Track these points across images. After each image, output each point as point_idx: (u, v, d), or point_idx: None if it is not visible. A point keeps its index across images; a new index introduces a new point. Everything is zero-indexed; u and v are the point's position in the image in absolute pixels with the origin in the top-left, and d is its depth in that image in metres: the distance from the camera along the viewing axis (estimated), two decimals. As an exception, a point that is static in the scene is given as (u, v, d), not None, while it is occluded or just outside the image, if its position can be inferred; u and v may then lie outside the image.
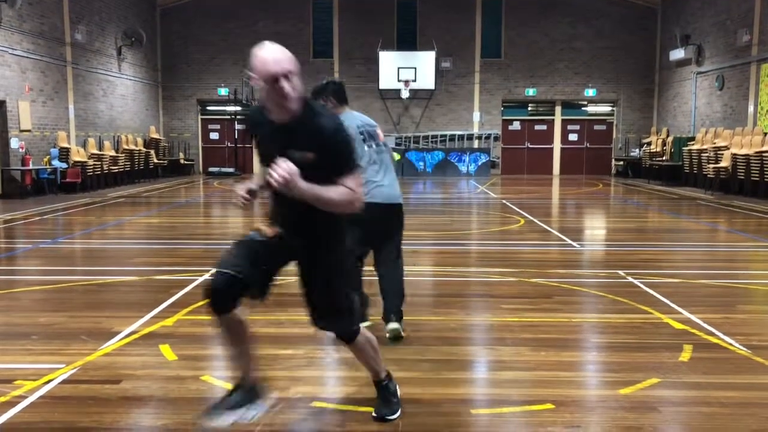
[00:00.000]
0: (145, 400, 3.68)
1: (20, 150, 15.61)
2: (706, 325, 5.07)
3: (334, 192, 2.85)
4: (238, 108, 24.20)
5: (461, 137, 24.61)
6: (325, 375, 4.18)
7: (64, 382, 3.91)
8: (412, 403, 3.64)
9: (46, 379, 3.93)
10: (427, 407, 3.59)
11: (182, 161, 24.43)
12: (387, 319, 4.63)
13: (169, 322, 5.15)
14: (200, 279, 6.70)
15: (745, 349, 4.54)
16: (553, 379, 4.01)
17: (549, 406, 3.60)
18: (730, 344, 4.64)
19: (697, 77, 20.84)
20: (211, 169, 24.39)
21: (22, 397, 3.66)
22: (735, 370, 4.16)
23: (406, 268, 7.40)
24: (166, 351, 4.46)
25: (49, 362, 4.22)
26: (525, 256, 8.32)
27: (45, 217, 12.14)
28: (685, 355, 4.42)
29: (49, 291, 6.31)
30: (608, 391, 3.82)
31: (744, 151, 15.99)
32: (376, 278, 4.76)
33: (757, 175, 15.33)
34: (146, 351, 4.48)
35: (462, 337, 4.90)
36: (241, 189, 3.01)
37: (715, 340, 4.73)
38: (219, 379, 3.98)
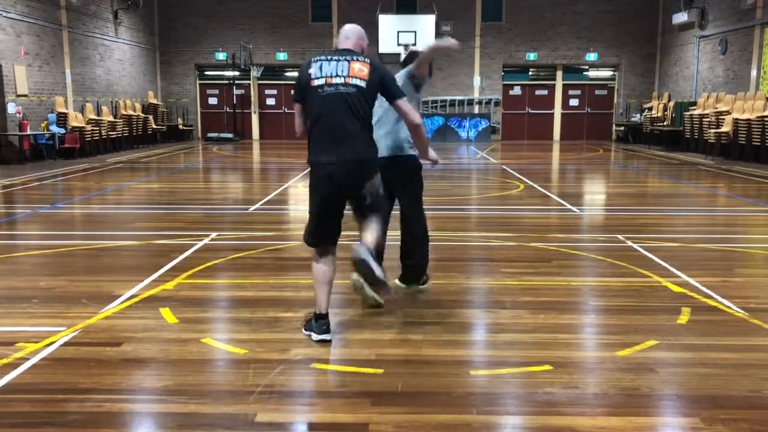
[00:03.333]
0: (146, 362, 3.70)
1: (17, 115, 15.51)
2: (704, 288, 5.09)
3: None
4: (237, 73, 23.98)
5: (461, 102, 24.44)
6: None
7: (65, 344, 3.93)
8: (411, 363, 3.66)
9: (47, 341, 3.95)
10: (426, 368, 3.62)
11: (181, 127, 24.30)
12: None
13: (169, 285, 5.17)
14: (200, 243, 6.70)
15: (742, 311, 4.56)
16: (552, 341, 4.03)
17: (547, 367, 3.63)
18: (728, 307, 4.66)
19: (699, 41, 20.61)
20: (210, 135, 24.28)
21: (24, 359, 3.68)
22: (732, 332, 4.18)
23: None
24: (167, 314, 4.48)
25: (51, 325, 4.25)
26: (524, 221, 8.32)
27: (44, 182, 12.12)
28: (683, 317, 4.44)
29: (49, 255, 6.33)
30: (606, 353, 3.85)
31: (746, 116, 15.88)
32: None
33: (758, 140, 15.25)
34: (147, 314, 4.50)
35: (462, 300, 4.92)
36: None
37: (713, 303, 4.75)
38: (219, 342, 4.01)
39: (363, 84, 3.76)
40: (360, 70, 3.78)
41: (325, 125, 3.77)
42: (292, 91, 4.01)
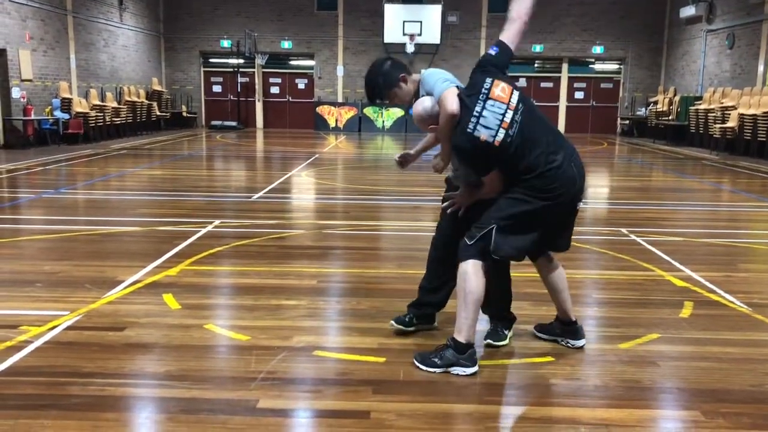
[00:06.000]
0: (148, 347, 3.71)
1: (22, 100, 15.50)
2: (707, 283, 5.09)
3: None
4: (241, 61, 23.92)
5: (466, 93, 24.28)
6: (326, 325, 4.22)
7: (68, 328, 3.95)
8: (413, 352, 3.66)
9: (51, 325, 3.96)
10: (428, 358, 3.62)
11: (185, 114, 24.26)
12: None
13: (172, 271, 5.18)
14: (203, 230, 6.71)
15: (745, 306, 4.56)
16: (554, 332, 4.03)
17: (549, 359, 3.64)
18: (731, 302, 4.66)
19: (707, 35, 20.50)
20: (213, 123, 24.24)
21: (28, 342, 3.70)
22: (735, 327, 4.18)
23: (410, 224, 7.45)
24: (170, 300, 4.49)
25: (54, 309, 4.26)
26: (528, 213, 8.28)
27: (48, 167, 12.12)
28: (686, 311, 4.44)
29: (53, 240, 6.34)
30: (608, 346, 3.85)
31: (752, 111, 15.81)
32: None
33: (763, 136, 15.19)
34: (150, 300, 4.51)
35: (464, 291, 4.92)
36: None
37: (716, 298, 4.75)
38: (222, 328, 4.02)
39: None
40: None
41: None
42: (474, 160, 3.55)
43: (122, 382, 3.27)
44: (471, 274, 3.36)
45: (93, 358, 3.53)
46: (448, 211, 3.70)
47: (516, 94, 3.40)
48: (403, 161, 4.01)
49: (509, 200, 3.38)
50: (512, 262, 3.82)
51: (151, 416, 2.99)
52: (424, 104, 3.52)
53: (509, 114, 3.33)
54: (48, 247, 6.12)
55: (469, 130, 3.29)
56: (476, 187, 3.55)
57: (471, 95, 3.36)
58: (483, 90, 3.35)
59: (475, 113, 3.30)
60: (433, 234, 3.97)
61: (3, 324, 3.99)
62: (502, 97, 3.34)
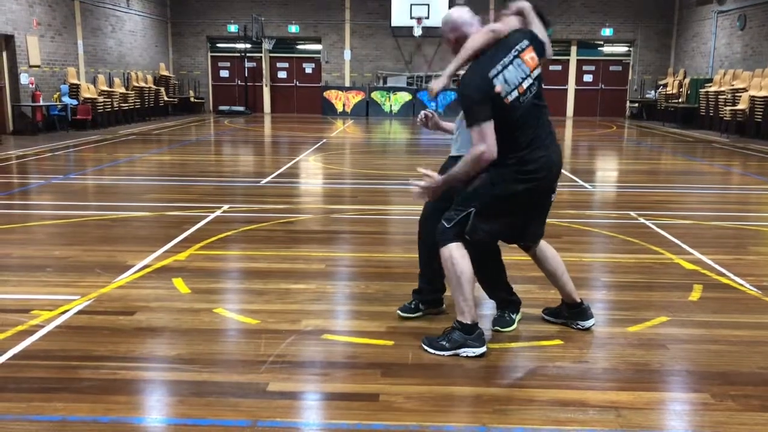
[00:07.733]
0: (158, 331, 3.74)
1: (30, 86, 15.52)
2: (716, 266, 5.07)
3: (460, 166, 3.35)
4: (248, 45, 23.83)
5: (474, 77, 24.11)
6: (335, 309, 4.23)
7: (79, 312, 3.98)
8: (422, 336, 3.67)
9: (62, 309, 3.99)
10: (436, 341, 3.63)
11: (192, 99, 24.24)
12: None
13: (181, 256, 5.20)
14: (212, 215, 6.73)
15: (755, 289, 4.54)
16: (562, 316, 4.03)
17: (558, 342, 3.64)
18: (741, 285, 4.64)
19: (717, 16, 20.26)
20: (221, 108, 24.22)
21: (39, 326, 3.73)
22: (744, 310, 4.17)
23: (417, 208, 7.49)
24: (179, 284, 4.51)
25: (65, 293, 4.29)
26: (536, 197, 8.26)
27: (56, 153, 12.16)
28: (695, 294, 4.43)
29: (63, 225, 6.37)
30: (617, 329, 3.84)
31: (763, 94, 15.66)
32: None
33: (774, 118, 15.06)
34: (160, 284, 4.53)
35: (472, 275, 4.92)
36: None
37: (726, 281, 4.73)
38: (231, 312, 4.04)
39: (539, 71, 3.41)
40: (532, 58, 3.36)
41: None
42: (475, 108, 3.28)
43: (133, 365, 3.30)
44: (457, 257, 3.38)
45: (104, 341, 3.56)
46: (414, 197, 3.57)
47: (538, 69, 3.41)
48: (426, 119, 4.03)
49: (490, 184, 3.37)
50: (505, 249, 3.82)
51: (161, 399, 3.02)
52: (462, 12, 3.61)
53: (528, 81, 3.33)
54: (58, 232, 6.15)
55: (490, 74, 3.25)
56: (450, 175, 3.43)
57: (500, 49, 3.32)
58: (517, 47, 3.34)
59: (502, 62, 3.27)
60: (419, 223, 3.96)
61: (15, 308, 4.02)
62: (529, 62, 3.35)
